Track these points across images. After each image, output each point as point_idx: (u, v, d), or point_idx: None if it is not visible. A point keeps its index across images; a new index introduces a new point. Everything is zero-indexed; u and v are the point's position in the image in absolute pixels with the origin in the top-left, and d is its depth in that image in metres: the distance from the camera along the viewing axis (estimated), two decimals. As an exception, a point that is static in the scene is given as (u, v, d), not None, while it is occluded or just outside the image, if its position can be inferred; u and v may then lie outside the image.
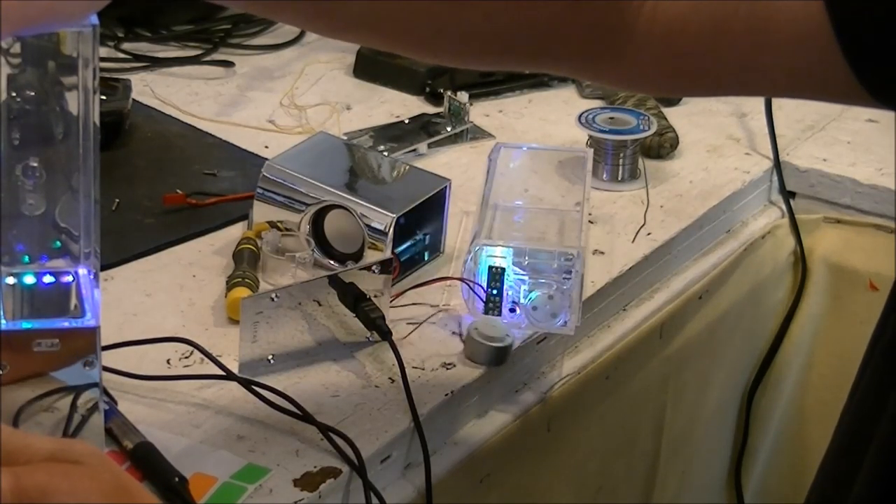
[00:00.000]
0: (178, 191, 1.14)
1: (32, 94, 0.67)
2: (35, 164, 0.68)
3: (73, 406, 0.78)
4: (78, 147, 0.68)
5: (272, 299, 0.91)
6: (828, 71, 0.69)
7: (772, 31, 0.71)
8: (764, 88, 0.84)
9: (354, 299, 0.94)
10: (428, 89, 1.38)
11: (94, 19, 0.66)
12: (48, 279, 0.72)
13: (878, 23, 0.66)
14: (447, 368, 0.95)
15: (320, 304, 0.94)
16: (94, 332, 0.75)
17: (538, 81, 1.43)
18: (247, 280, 1.00)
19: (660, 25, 0.74)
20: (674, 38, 0.74)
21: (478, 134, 1.31)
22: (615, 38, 0.76)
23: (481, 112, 1.36)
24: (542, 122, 1.36)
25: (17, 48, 0.65)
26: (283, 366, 0.93)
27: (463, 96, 1.30)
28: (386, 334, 0.93)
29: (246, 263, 1.02)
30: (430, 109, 1.35)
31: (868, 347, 0.75)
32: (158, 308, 1.00)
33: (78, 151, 0.68)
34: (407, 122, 1.31)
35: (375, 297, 0.95)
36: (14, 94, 0.66)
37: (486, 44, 0.77)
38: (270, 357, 0.92)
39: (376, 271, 0.95)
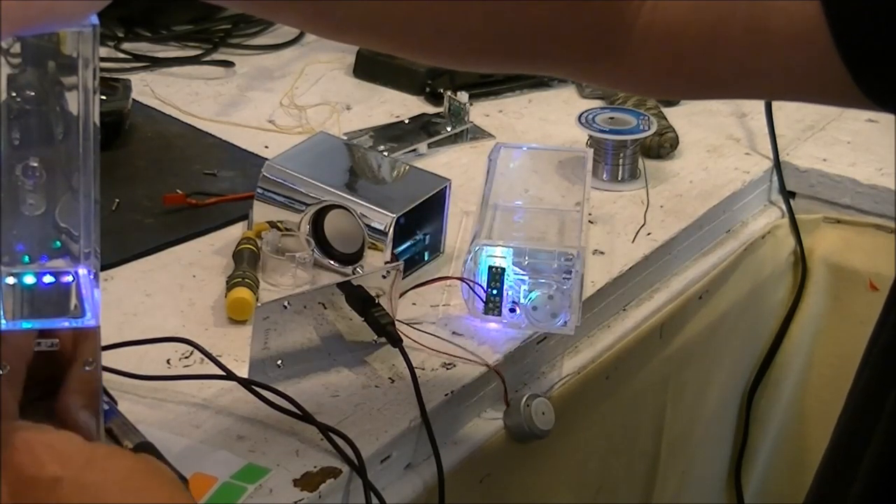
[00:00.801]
0: (178, 191, 1.14)
1: (32, 94, 0.66)
2: (35, 164, 0.68)
3: None
4: (78, 147, 0.68)
5: (285, 306, 0.91)
6: (825, 73, 0.69)
7: (770, 32, 0.71)
8: (761, 91, 0.84)
9: (363, 304, 0.94)
10: (428, 89, 1.38)
11: (95, 19, 0.66)
12: (48, 279, 0.72)
13: (875, 25, 0.66)
14: (447, 368, 0.95)
15: (327, 308, 0.94)
16: (94, 332, 0.75)
17: (538, 81, 1.43)
18: (247, 280, 1.00)
19: (658, 26, 0.74)
20: (672, 39, 0.74)
21: (478, 134, 1.31)
22: (614, 38, 0.76)
23: (481, 112, 1.36)
24: (542, 122, 1.36)
25: (17, 48, 0.65)
26: (292, 371, 0.93)
27: (463, 96, 1.30)
28: (397, 341, 0.93)
29: (246, 263, 1.02)
30: (430, 109, 1.35)
31: (867, 348, 0.75)
32: (158, 308, 1.00)
33: (78, 151, 0.68)
34: (407, 122, 1.31)
35: (380, 297, 0.95)
36: (14, 94, 0.66)
37: (485, 45, 0.77)
38: (279, 362, 0.92)
39: (385, 276, 0.95)
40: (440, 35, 0.77)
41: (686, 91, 0.85)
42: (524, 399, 0.96)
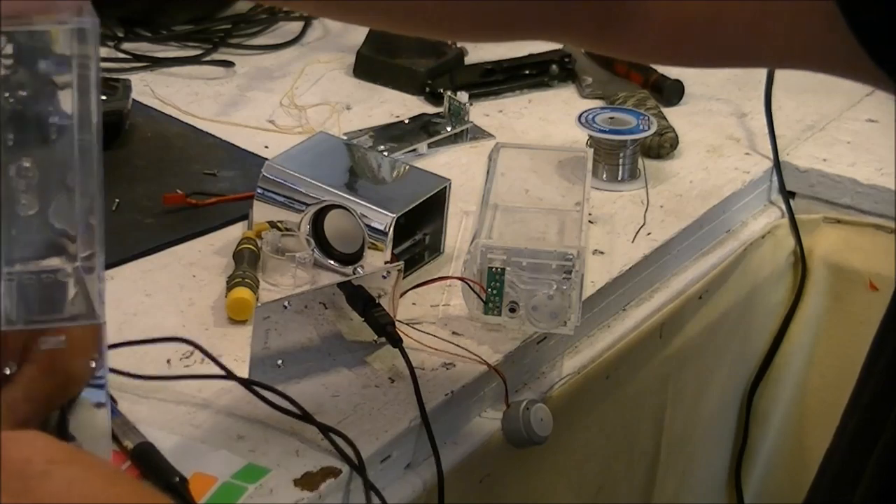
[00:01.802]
0: (178, 191, 1.14)
1: (25, 94, 0.67)
2: (28, 165, 0.68)
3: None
4: (73, 147, 0.68)
5: (285, 306, 0.91)
6: (831, 40, 0.68)
7: None
8: (768, 58, 0.83)
9: (364, 304, 0.94)
10: (428, 89, 1.38)
11: (95, 17, 0.66)
12: (51, 278, 0.72)
13: None
14: (447, 368, 0.95)
15: (327, 308, 0.94)
16: (99, 328, 0.75)
17: (538, 81, 1.43)
18: (247, 280, 1.00)
19: None
20: (679, 5, 0.75)
21: (478, 134, 1.31)
22: (621, 6, 0.76)
23: (481, 112, 1.36)
24: (542, 122, 1.36)
25: (10, 49, 0.65)
26: (292, 371, 0.93)
27: (463, 96, 1.30)
28: (397, 341, 0.93)
29: (246, 263, 1.02)
30: (430, 109, 1.35)
31: (870, 353, 0.74)
32: (158, 308, 1.00)
33: (73, 151, 0.68)
34: (407, 122, 1.31)
35: (380, 297, 0.95)
36: (7, 95, 0.66)
37: (493, 18, 0.78)
38: (279, 362, 0.92)
39: (385, 276, 0.95)
40: (448, 11, 0.77)
41: (692, 58, 0.84)
42: (523, 405, 0.96)
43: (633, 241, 1.14)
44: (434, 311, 1.02)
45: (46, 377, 0.70)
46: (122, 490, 0.63)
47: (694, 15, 0.74)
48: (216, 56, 1.46)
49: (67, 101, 0.67)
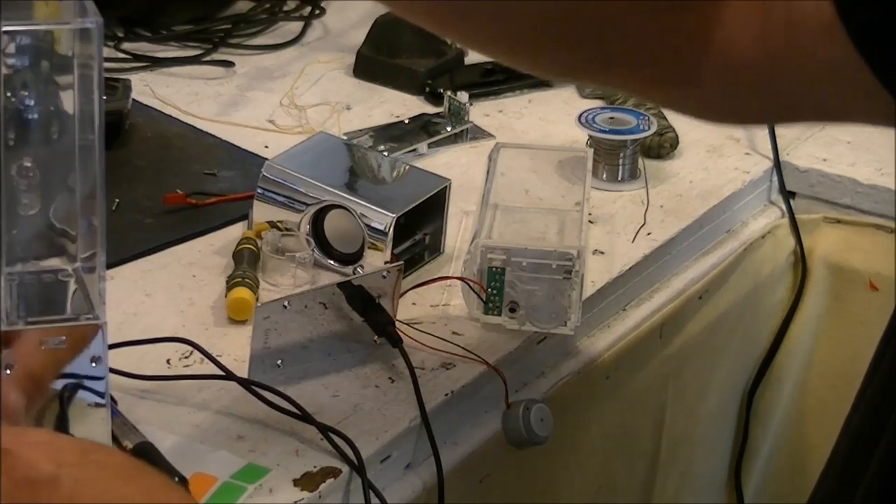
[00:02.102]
0: (178, 191, 1.14)
1: (27, 93, 0.67)
2: (29, 164, 0.68)
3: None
4: (74, 146, 0.68)
5: (285, 306, 0.91)
6: (848, 69, 0.67)
7: (797, 24, 0.70)
8: (808, 113, 0.82)
9: (364, 304, 0.94)
10: (428, 89, 1.38)
11: (99, 17, 0.66)
12: (51, 278, 0.72)
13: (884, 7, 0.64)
14: (447, 368, 0.95)
15: (327, 308, 0.94)
16: (100, 329, 0.75)
17: (538, 81, 1.43)
18: (247, 280, 1.00)
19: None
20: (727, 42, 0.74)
21: (478, 134, 1.31)
22: (688, 59, 0.76)
23: (481, 112, 1.36)
24: (542, 122, 1.36)
25: (12, 48, 0.65)
26: (292, 371, 0.93)
27: (463, 96, 1.30)
28: (397, 342, 0.93)
29: (246, 263, 1.02)
30: (430, 109, 1.35)
31: (880, 347, 0.74)
32: (158, 308, 1.00)
33: (74, 151, 0.68)
34: (407, 122, 1.31)
35: (380, 297, 0.95)
36: (9, 94, 0.66)
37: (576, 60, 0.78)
38: (279, 362, 0.92)
39: (385, 276, 0.95)
40: (539, 46, 0.77)
41: (749, 110, 0.84)
42: (523, 405, 0.96)
43: (633, 241, 1.14)
44: (434, 311, 1.02)
45: (38, 350, 0.69)
46: (135, 490, 0.62)
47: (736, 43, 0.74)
48: (216, 56, 1.46)
49: (69, 100, 0.67)
